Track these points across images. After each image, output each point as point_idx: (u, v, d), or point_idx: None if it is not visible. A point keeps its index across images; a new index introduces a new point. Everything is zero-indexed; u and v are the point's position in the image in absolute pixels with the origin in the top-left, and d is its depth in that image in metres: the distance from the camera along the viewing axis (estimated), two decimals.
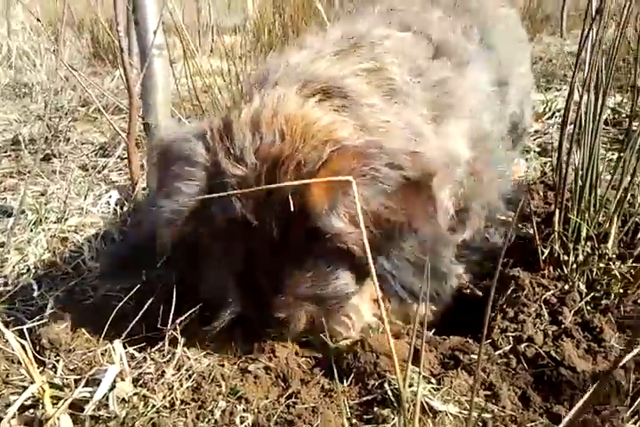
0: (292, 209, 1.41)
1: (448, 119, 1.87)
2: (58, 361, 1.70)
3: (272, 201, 1.48)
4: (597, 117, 2.02)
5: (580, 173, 2.03)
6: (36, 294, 2.10)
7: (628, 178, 2.03)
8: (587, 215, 1.99)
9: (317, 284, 1.58)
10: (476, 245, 2.09)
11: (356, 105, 1.68)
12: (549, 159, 3.34)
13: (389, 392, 1.50)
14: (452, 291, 1.97)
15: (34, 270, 2.30)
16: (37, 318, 1.88)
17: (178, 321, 1.74)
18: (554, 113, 4.17)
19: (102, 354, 1.72)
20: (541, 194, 2.57)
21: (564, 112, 2.02)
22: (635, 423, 1.46)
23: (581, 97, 2.02)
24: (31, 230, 2.59)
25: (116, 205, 2.67)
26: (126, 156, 3.77)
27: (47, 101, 4.86)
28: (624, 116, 3.87)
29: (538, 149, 3.58)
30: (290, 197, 1.42)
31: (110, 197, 2.80)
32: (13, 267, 2.32)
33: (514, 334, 1.78)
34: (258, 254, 1.55)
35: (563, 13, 10.02)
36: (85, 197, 2.84)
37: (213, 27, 8.73)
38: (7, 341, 1.72)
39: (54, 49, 8.80)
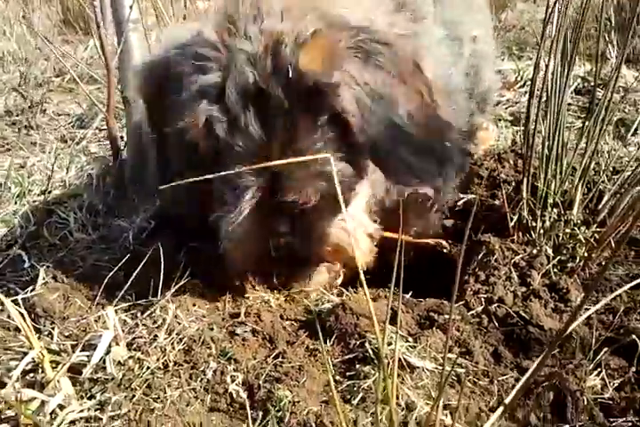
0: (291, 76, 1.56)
1: None
2: (53, 328, 1.77)
3: (278, 72, 1.59)
4: (563, 87, 2.11)
5: (547, 142, 2.13)
6: (26, 265, 2.16)
7: (593, 146, 2.13)
8: (553, 183, 2.09)
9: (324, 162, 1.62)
10: None
11: None
12: (521, 128, 3.43)
13: (370, 351, 1.60)
14: (456, 169, 2.13)
15: (21, 242, 2.35)
16: (30, 288, 1.94)
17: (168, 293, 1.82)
18: (525, 82, 4.24)
19: (96, 321, 1.80)
20: (512, 162, 2.66)
21: (532, 83, 2.11)
22: (598, 375, 1.59)
23: (547, 66, 2.11)
24: (15, 203, 2.64)
25: (99, 177, 2.71)
26: (104, 127, 3.82)
27: (22, 72, 4.83)
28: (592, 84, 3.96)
29: (510, 118, 3.66)
30: (289, 67, 1.56)
31: (92, 169, 2.84)
32: (1, 239, 2.37)
33: (485, 296, 1.89)
34: (271, 125, 1.61)
35: None
36: (67, 169, 2.88)
37: None
38: (2, 310, 1.82)
39: (23, 15, 8.68)
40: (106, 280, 1.96)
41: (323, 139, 1.63)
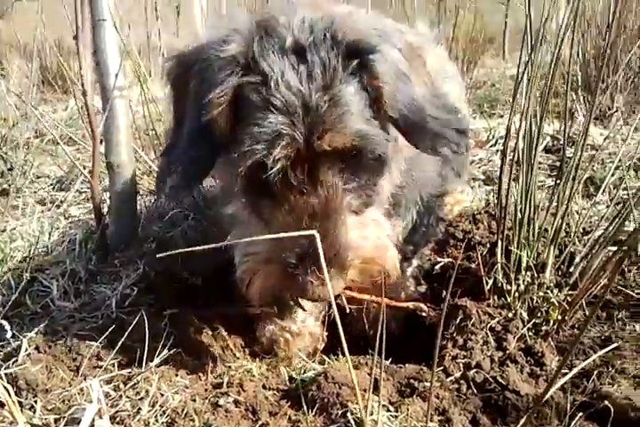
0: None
1: None
2: (36, 402, 1.78)
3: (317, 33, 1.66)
4: (533, 156, 2.20)
5: (520, 206, 2.21)
6: (8, 334, 2.16)
7: (564, 208, 2.20)
8: (526, 247, 2.16)
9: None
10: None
11: None
12: (494, 187, 3.53)
13: (352, 421, 1.63)
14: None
15: (3, 311, 2.35)
16: (13, 360, 1.95)
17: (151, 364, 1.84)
18: (497, 140, 4.38)
19: (79, 393, 1.81)
20: (486, 224, 2.74)
21: (504, 148, 2.20)
22: None
23: (518, 134, 2.21)
24: None
25: (81, 243, 2.74)
26: (85, 190, 3.87)
27: (3, 135, 4.88)
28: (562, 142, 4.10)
29: (482, 177, 3.76)
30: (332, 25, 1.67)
31: (74, 234, 2.87)
32: None
33: (463, 361, 1.94)
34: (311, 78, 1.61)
35: (505, 36, 10.40)
36: (49, 234, 2.91)
37: (164, 50, 8.83)
38: None
39: (1, 74, 8.77)
40: (89, 351, 1.98)
41: (360, 96, 1.65)
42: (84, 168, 3.56)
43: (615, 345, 1.73)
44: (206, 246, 1.27)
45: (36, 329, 2.16)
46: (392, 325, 2.26)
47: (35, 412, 1.74)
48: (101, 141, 2.71)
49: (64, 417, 1.68)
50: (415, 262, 2.42)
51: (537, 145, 2.22)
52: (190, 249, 1.22)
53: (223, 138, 1.66)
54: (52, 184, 4.15)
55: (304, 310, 1.91)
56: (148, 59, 8.85)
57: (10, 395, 1.58)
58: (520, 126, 2.20)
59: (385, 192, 1.86)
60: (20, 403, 1.78)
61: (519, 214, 2.21)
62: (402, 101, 1.68)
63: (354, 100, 1.63)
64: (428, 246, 2.40)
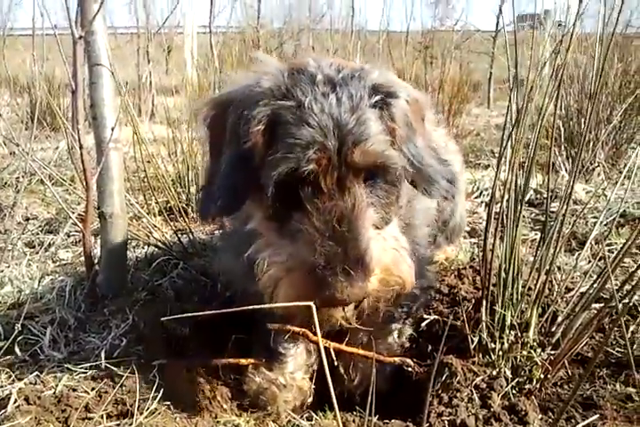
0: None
1: None
2: None
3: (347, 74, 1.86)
4: (516, 216, 2.27)
5: (504, 266, 2.27)
6: None
7: (547, 266, 2.26)
8: (510, 306, 2.22)
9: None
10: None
11: None
12: (479, 240, 3.59)
13: None
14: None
15: None
16: (2, 411, 1.96)
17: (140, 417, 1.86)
18: (481, 192, 4.47)
19: None
20: (471, 279, 2.80)
21: (487, 213, 2.27)
22: None
23: (503, 195, 2.28)
24: None
25: (71, 291, 2.76)
26: (74, 233, 3.90)
27: None
28: (545, 196, 4.19)
29: (468, 229, 3.82)
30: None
31: (63, 281, 2.89)
32: None
33: (449, 418, 1.97)
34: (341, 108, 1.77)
35: (490, 84, 10.65)
36: (39, 280, 2.93)
37: (154, 90, 8.96)
38: None
39: None
40: (78, 402, 2.00)
41: (382, 125, 1.82)
42: (73, 212, 3.61)
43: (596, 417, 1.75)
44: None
45: (26, 379, 2.17)
46: (379, 381, 2.29)
47: None
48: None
49: None
50: (408, 331, 2.49)
51: (522, 201, 2.29)
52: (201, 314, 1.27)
53: (260, 160, 1.78)
54: (40, 226, 4.15)
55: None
56: (138, 97, 9.00)
57: None
58: (506, 180, 2.28)
59: (399, 212, 1.98)
60: None
61: (503, 274, 2.27)
62: (407, 146, 1.87)
63: (377, 125, 1.80)
64: (418, 313, 2.46)
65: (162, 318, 1.41)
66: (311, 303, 1.22)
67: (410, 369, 2.31)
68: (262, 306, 1.59)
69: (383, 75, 1.92)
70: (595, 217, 3.71)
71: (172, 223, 3.61)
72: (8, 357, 2.37)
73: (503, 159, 2.31)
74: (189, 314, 1.28)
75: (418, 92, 2.16)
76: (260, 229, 1.90)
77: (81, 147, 2.60)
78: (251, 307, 1.51)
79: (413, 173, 1.89)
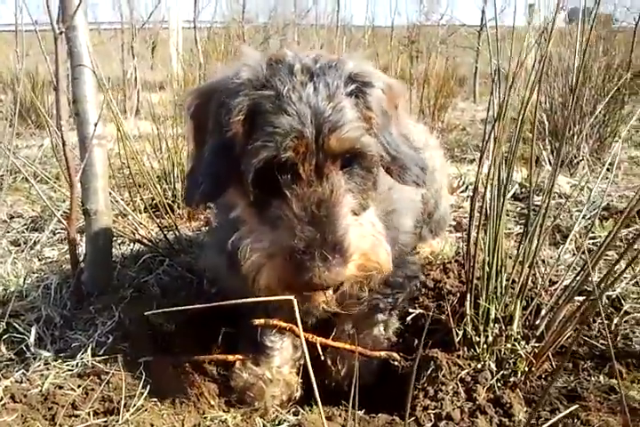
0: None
1: None
2: None
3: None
4: (501, 208, 2.28)
5: (488, 258, 2.28)
6: None
7: (530, 259, 2.28)
8: (494, 299, 2.23)
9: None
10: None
11: None
12: (464, 234, 3.60)
13: None
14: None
15: None
16: None
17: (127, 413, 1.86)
18: (467, 186, 4.48)
19: None
20: (456, 273, 2.81)
21: (470, 207, 2.28)
22: None
23: (485, 189, 2.30)
24: None
25: (56, 288, 2.75)
26: (59, 231, 3.88)
27: None
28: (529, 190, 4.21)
29: (453, 223, 3.84)
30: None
31: (49, 279, 2.88)
32: None
33: (434, 412, 1.99)
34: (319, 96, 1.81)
35: (475, 79, 10.67)
36: (24, 278, 2.92)
37: (139, 86, 8.93)
38: None
39: None
40: (65, 399, 1.99)
41: (357, 113, 1.85)
42: (58, 209, 3.59)
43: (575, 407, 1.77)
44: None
45: (12, 378, 2.17)
46: (365, 375, 2.31)
47: None
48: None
49: None
50: (395, 324, 2.52)
51: (505, 194, 2.31)
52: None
53: (241, 148, 1.81)
54: (25, 224, 4.13)
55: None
56: (123, 93, 8.96)
57: None
58: (489, 174, 2.30)
59: (377, 198, 2.00)
60: None
61: (487, 267, 2.28)
62: (383, 134, 1.92)
63: (353, 112, 1.83)
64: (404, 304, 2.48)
65: (146, 313, 1.41)
66: (292, 297, 1.24)
67: (396, 363, 2.33)
68: (245, 300, 1.59)
69: (359, 65, 1.94)
70: (579, 210, 3.74)
71: (157, 220, 3.60)
72: None
73: (486, 153, 2.32)
74: (173, 308, 1.28)
75: (393, 80, 2.17)
76: (242, 216, 1.93)
77: (64, 143, 2.59)
78: (234, 301, 1.52)
79: (388, 161, 1.94)
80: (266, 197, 1.79)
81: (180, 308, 1.26)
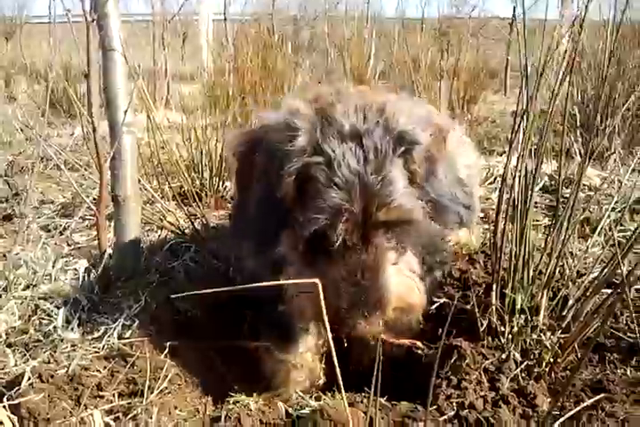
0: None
1: None
2: None
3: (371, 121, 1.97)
4: (529, 199, 2.26)
5: (515, 249, 2.26)
6: (11, 362, 2.21)
7: (557, 252, 2.26)
8: (520, 289, 2.21)
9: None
10: None
11: None
12: (491, 226, 3.57)
13: None
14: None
15: (6, 337, 2.40)
16: (16, 389, 1.98)
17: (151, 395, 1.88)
18: (495, 178, 4.44)
19: (79, 423, 1.85)
20: (482, 264, 2.79)
21: (498, 199, 2.26)
22: None
23: (513, 182, 2.27)
24: (0, 296, 2.69)
25: (85, 272, 2.79)
26: (88, 217, 3.92)
27: (9, 160, 4.97)
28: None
29: (481, 215, 3.80)
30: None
31: (77, 263, 2.92)
32: None
33: (457, 401, 1.97)
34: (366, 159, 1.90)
35: (506, 71, 10.56)
36: (54, 263, 2.96)
37: (169, 77, 8.98)
38: None
39: (8, 96, 8.89)
40: (90, 381, 2.02)
41: (404, 175, 1.97)
42: (88, 196, 3.63)
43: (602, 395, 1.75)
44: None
45: (39, 358, 2.20)
46: (389, 362, 2.30)
47: None
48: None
49: None
50: None
51: (533, 185, 2.28)
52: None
53: (292, 205, 1.95)
54: (56, 210, 4.19)
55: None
56: (153, 85, 9.02)
57: (13, 425, 1.62)
58: (518, 166, 2.27)
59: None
60: None
61: (514, 258, 2.26)
62: (427, 183, 2.05)
63: (400, 179, 1.93)
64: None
65: (171, 296, 1.44)
66: (316, 280, 1.26)
67: (420, 352, 2.32)
68: (269, 283, 1.62)
69: (407, 118, 1.99)
70: (608, 203, 3.68)
71: (185, 208, 3.62)
72: (22, 336, 2.40)
73: (515, 145, 2.30)
74: (198, 291, 1.30)
75: (443, 118, 2.22)
76: (289, 257, 2.03)
77: (94, 130, 2.62)
78: (258, 284, 1.55)
79: (431, 206, 2.07)
80: (315, 253, 1.92)
81: (204, 291, 1.26)
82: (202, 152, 4.39)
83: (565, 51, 2.39)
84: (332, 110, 1.98)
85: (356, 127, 1.92)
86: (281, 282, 1.73)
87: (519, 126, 2.26)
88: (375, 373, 1.39)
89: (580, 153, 4.72)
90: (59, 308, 2.54)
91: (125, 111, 2.70)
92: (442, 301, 2.40)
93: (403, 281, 1.97)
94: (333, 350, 1.33)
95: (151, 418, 1.84)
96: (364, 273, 1.85)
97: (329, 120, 1.95)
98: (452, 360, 2.14)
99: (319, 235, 1.87)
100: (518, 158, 2.28)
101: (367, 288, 1.84)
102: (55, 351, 2.28)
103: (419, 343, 2.35)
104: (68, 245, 3.57)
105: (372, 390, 1.43)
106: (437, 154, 2.09)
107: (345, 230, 1.84)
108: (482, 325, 2.19)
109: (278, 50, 6.18)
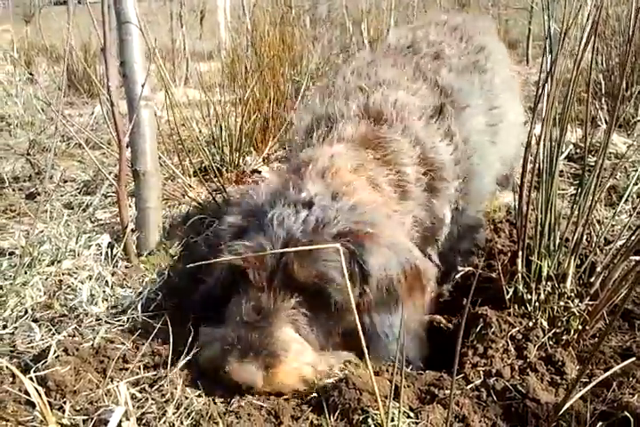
0: None
1: None
2: (65, 402, 1.82)
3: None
4: (554, 167, 2.21)
5: (540, 216, 2.22)
6: (37, 337, 2.22)
7: (584, 218, 2.21)
8: (547, 256, 2.18)
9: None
10: None
11: None
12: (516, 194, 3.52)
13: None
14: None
15: (32, 313, 2.41)
16: (42, 361, 1.99)
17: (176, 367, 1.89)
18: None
19: (106, 394, 1.85)
20: (507, 232, 2.76)
21: (523, 167, 2.21)
22: None
23: (538, 148, 2.23)
24: (25, 273, 2.70)
25: (108, 248, 2.80)
26: (110, 194, 3.93)
27: (31, 139, 4.99)
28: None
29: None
30: None
31: (100, 239, 2.93)
32: (12, 310, 2.43)
33: (484, 369, 1.96)
34: None
35: (528, 41, 10.37)
36: (77, 239, 2.96)
37: (188, 55, 8.95)
38: (13, 382, 1.88)
39: (29, 78, 8.91)
40: (115, 353, 2.03)
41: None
42: (110, 173, 3.63)
43: (633, 359, 1.72)
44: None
45: (65, 332, 2.22)
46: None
47: (64, 412, 1.78)
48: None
49: (92, 418, 1.72)
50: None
51: (558, 153, 2.23)
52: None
53: None
54: (78, 188, 4.20)
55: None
56: (172, 63, 8.99)
57: (41, 396, 1.63)
58: (542, 134, 2.22)
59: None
60: (49, 404, 1.83)
61: (539, 225, 2.22)
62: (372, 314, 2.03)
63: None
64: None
65: (188, 265, 1.44)
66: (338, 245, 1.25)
67: (441, 326, 2.31)
68: (287, 249, 1.64)
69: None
70: (635, 170, 3.62)
71: (206, 183, 3.61)
72: (48, 311, 2.41)
73: (537, 113, 2.25)
74: (216, 260, 1.28)
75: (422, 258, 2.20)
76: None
77: (112, 104, 2.60)
78: (277, 250, 1.55)
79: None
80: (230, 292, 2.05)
81: (221, 259, 1.25)
82: (221, 128, 4.37)
83: (589, 15, 2.32)
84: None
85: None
86: (305, 248, 1.69)
87: (542, 93, 2.21)
88: (398, 342, 1.38)
89: (605, 121, 4.63)
90: (83, 283, 2.55)
91: (143, 85, 2.68)
92: (466, 269, 2.37)
93: (304, 355, 1.92)
94: (357, 320, 1.31)
95: (176, 389, 1.84)
96: (259, 314, 1.90)
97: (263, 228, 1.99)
98: (478, 329, 2.12)
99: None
100: (542, 126, 2.23)
101: (256, 329, 1.86)
102: (80, 325, 2.29)
103: (438, 317, 2.33)
104: (91, 221, 3.57)
105: (396, 357, 1.42)
106: (407, 292, 2.06)
107: (252, 266, 1.91)
108: (508, 293, 2.17)
109: (296, 23, 6.11)
